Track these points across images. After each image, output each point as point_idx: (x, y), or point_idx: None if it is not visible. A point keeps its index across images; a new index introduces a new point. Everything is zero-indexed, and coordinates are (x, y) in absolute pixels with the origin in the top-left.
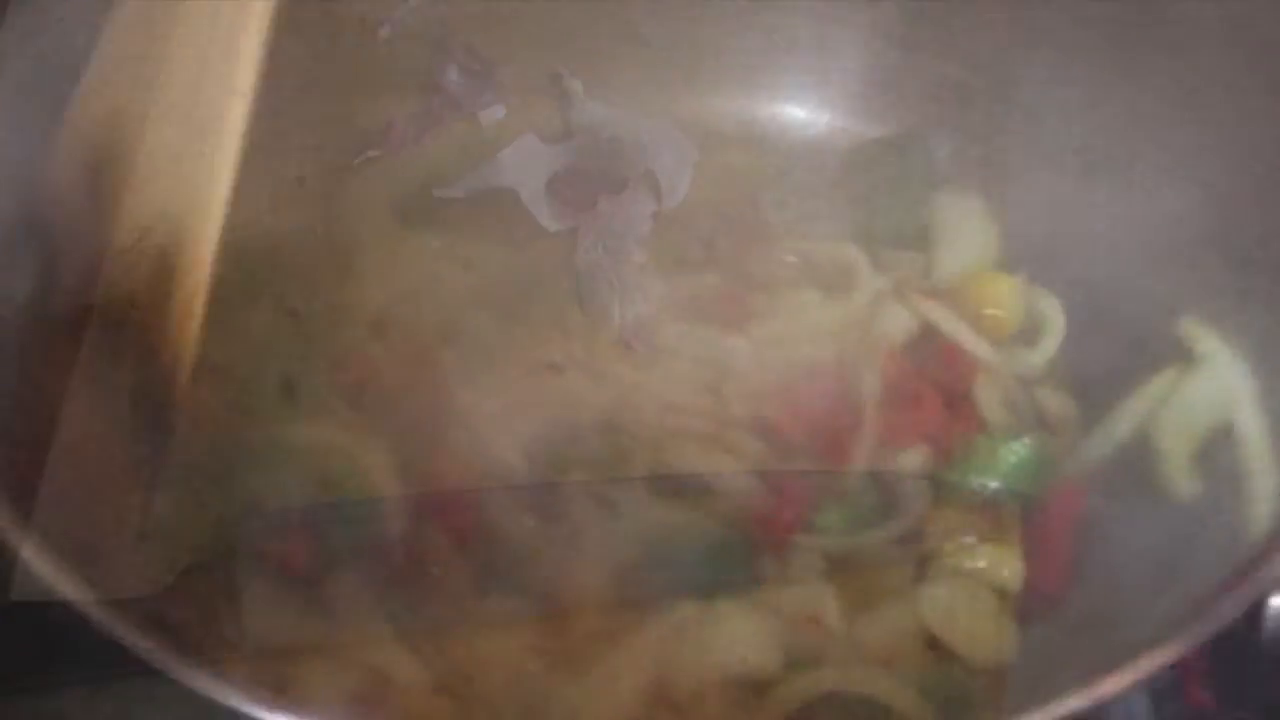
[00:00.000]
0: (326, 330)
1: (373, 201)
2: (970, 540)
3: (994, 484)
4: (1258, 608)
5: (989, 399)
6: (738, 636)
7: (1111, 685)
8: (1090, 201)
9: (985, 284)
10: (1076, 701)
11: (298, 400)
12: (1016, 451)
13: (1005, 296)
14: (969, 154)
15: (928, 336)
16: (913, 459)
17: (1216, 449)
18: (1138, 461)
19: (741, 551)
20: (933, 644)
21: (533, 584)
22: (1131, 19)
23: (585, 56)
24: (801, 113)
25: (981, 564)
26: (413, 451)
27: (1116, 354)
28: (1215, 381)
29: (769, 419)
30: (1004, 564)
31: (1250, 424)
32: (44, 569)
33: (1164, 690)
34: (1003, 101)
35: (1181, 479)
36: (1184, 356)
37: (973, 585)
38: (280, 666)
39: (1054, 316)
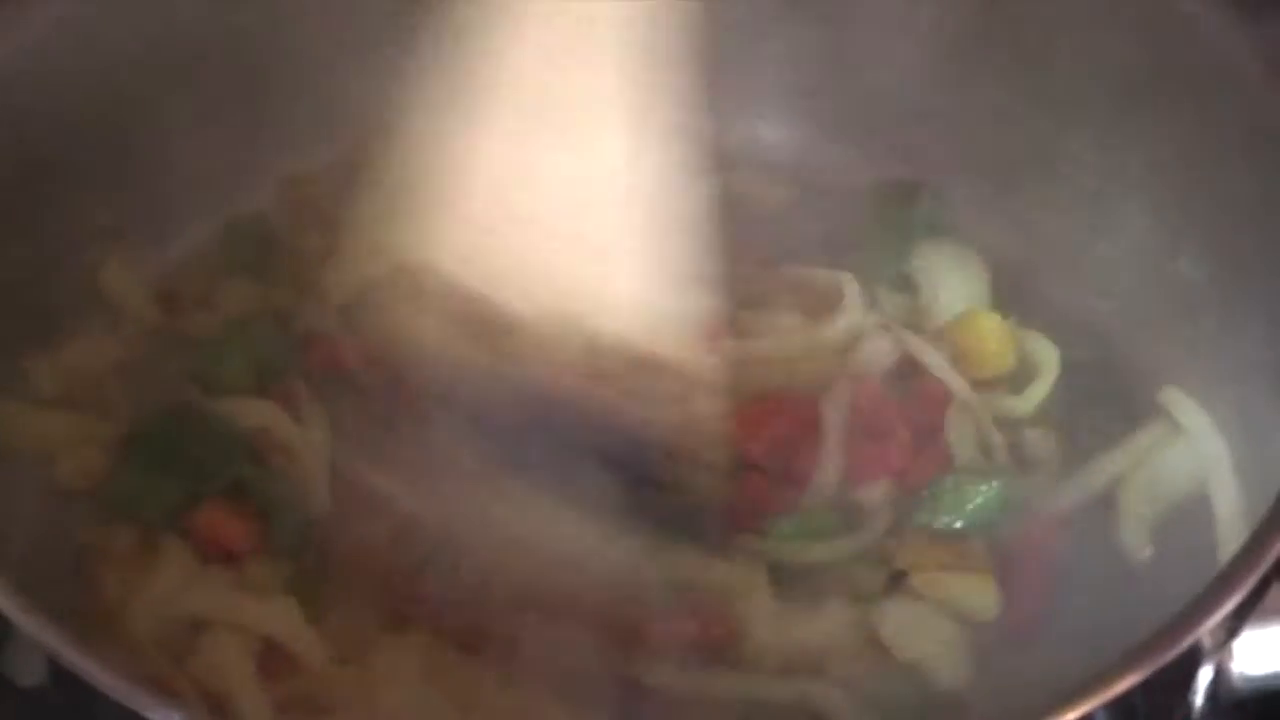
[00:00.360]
0: (297, 309)
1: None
2: (939, 573)
3: (957, 523)
4: (1188, 674)
5: (961, 437)
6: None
7: None
8: (1094, 254)
9: (973, 322)
10: None
11: (259, 377)
12: (982, 493)
13: (992, 335)
14: (979, 199)
15: (906, 369)
16: (874, 493)
17: (1183, 517)
18: (1104, 514)
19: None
20: (876, 649)
21: (462, 569)
22: (1152, 80)
23: None
24: (815, 145)
25: (952, 593)
26: (358, 440)
27: (1105, 406)
28: (1191, 452)
29: (733, 437)
30: (975, 593)
31: (1224, 497)
32: None
33: None
34: (1017, 149)
35: (1139, 541)
36: (1166, 421)
37: (936, 610)
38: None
39: (1048, 361)
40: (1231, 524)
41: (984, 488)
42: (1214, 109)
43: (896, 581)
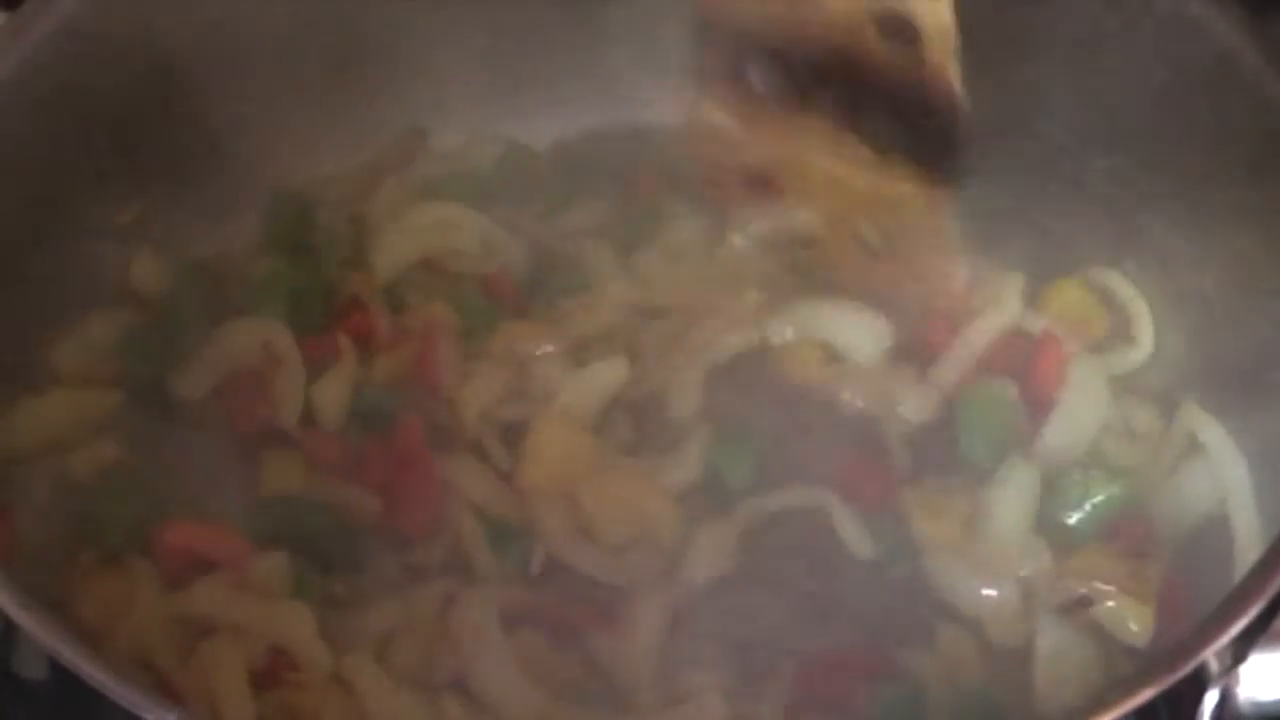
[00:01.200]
0: (338, 281)
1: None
2: (1108, 588)
3: (1072, 519)
4: (1194, 698)
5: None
6: None
7: None
8: (1119, 269)
9: (1060, 295)
10: None
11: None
12: (1104, 489)
13: (1084, 301)
14: (1005, 212)
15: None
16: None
17: (1202, 537)
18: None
19: None
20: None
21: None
22: (1177, 99)
23: None
24: None
25: (1110, 607)
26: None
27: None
28: (1212, 472)
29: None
30: (1133, 618)
31: (1243, 519)
32: None
33: None
34: (1044, 162)
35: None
36: (1187, 439)
37: (1085, 635)
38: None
39: (1134, 301)
40: (1250, 546)
41: (1106, 484)
42: (1236, 124)
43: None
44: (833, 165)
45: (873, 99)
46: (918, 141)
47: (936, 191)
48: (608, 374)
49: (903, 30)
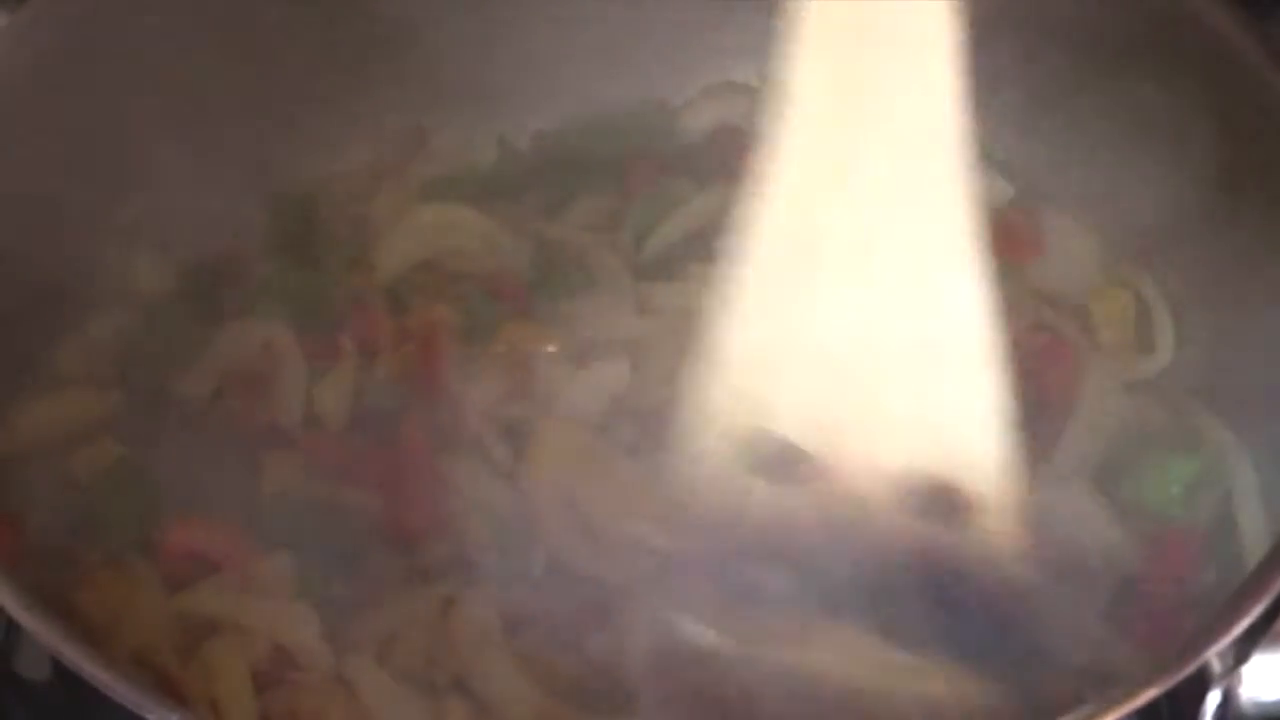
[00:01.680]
0: (340, 282)
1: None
2: None
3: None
4: (1196, 698)
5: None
6: None
7: None
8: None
9: (1104, 296)
10: None
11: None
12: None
13: (1128, 306)
14: None
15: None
16: None
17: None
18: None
19: None
20: None
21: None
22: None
23: None
24: None
25: None
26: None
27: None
28: (1217, 471)
29: None
30: None
31: (1248, 518)
32: None
33: None
34: (1041, 153)
35: None
36: (1191, 435)
37: None
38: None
39: (1156, 304)
40: (1254, 546)
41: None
42: (1236, 125)
43: None
44: (861, 678)
45: (907, 594)
46: (968, 640)
47: (990, 691)
48: (610, 374)
49: (949, 504)
